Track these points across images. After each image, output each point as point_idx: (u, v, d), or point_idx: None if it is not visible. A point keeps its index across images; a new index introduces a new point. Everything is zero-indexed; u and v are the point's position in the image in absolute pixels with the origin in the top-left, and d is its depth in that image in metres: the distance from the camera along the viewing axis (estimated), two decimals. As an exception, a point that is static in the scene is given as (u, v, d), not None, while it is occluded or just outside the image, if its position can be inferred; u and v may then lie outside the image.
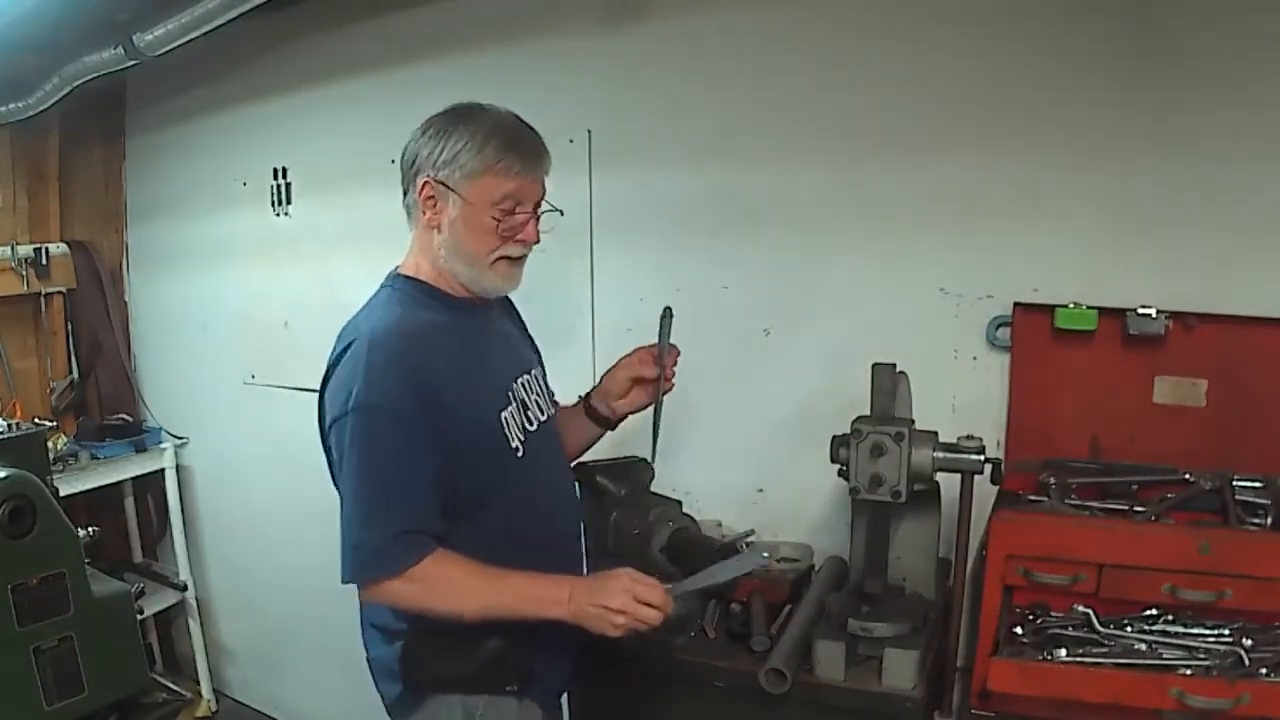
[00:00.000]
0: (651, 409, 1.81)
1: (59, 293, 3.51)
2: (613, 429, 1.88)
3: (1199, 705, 1.42)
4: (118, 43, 2.54)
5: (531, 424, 1.65)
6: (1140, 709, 1.48)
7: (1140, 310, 1.79)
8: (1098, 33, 1.85)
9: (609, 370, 1.85)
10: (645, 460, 2.14)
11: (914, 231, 2.07)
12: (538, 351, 1.86)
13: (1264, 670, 1.44)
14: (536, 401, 1.70)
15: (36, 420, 2.83)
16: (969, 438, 1.71)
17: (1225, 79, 1.74)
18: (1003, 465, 1.82)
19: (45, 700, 1.97)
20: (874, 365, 1.72)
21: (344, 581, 1.51)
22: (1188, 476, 1.77)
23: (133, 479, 3.49)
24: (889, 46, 2.05)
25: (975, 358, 2.04)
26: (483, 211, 1.55)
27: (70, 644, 2.01)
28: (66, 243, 3.50)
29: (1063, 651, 1.53)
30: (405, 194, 1.62)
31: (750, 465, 2.33)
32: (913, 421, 1.71)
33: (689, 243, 2.34)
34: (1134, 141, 1.83)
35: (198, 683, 3.60)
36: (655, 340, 1.79)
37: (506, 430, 1.59)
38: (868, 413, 1.72)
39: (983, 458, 1.67)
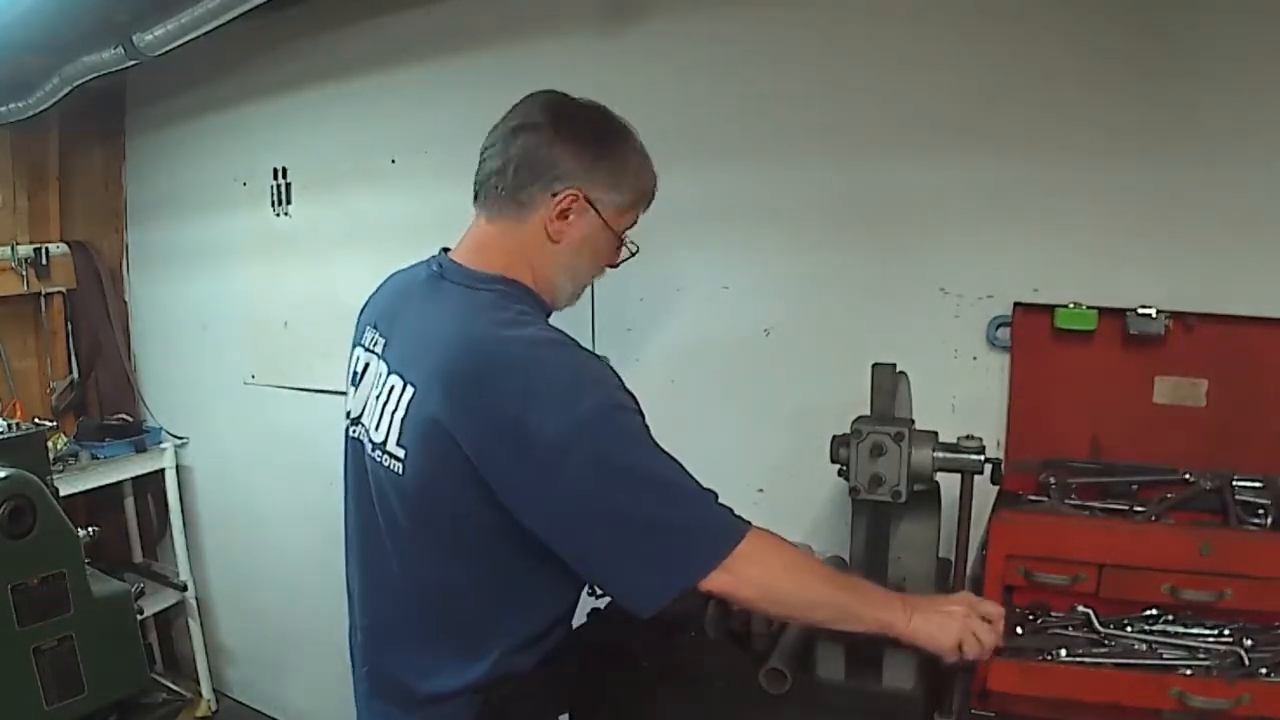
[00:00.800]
0: None
1: (59, 293, 3.51)
2: None
3: (1199, 705, 1.42)
4: (118, 43, 2.54)
5: None
6: (1140, 709, 1.48)
7: (1140, 310, 1.79)
8: (1098, 32, 1.85)
9: None
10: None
11: (914, 231, 2.07)
12: None
13: (1264, 670, 1.44)
14: None
15: (36, 420, 2.83)
16: (969, 438, 1.71)
17: (1226, 79, 1.74)
18: (1003, 465, 1.82)
19: (45, 700, 1.97)
20: (874, 365, 1.72)
21: (656, 602, 1.25)
22: (1188, 476, 1.77)
23: (133, 479, 3.50)
24: (889, 47, 2.05)
25: (975, 358, 2.04)
26: (613, 239, 1.45)
27: (70, 644, 2.02)
28: (66, 243, 3.50)
29: (1063, 651, 1.53)
30: (516, 190, 1.37)
31: (750, 465, 2.33)
32: (913, 421, 1.71)
33: (689, 243, 2.34)
34: (1134, 141, 1.83)
35: (198, 683, 3.61)
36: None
37: None
38: (868, 413, 1.72)
39: (983, 458, 1.67)
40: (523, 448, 1.21)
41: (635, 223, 1.49)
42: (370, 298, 1.56)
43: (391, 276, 1.57)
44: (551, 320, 1.46)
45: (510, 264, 1.40)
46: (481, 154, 1.44)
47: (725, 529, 1.28)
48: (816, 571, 1.36)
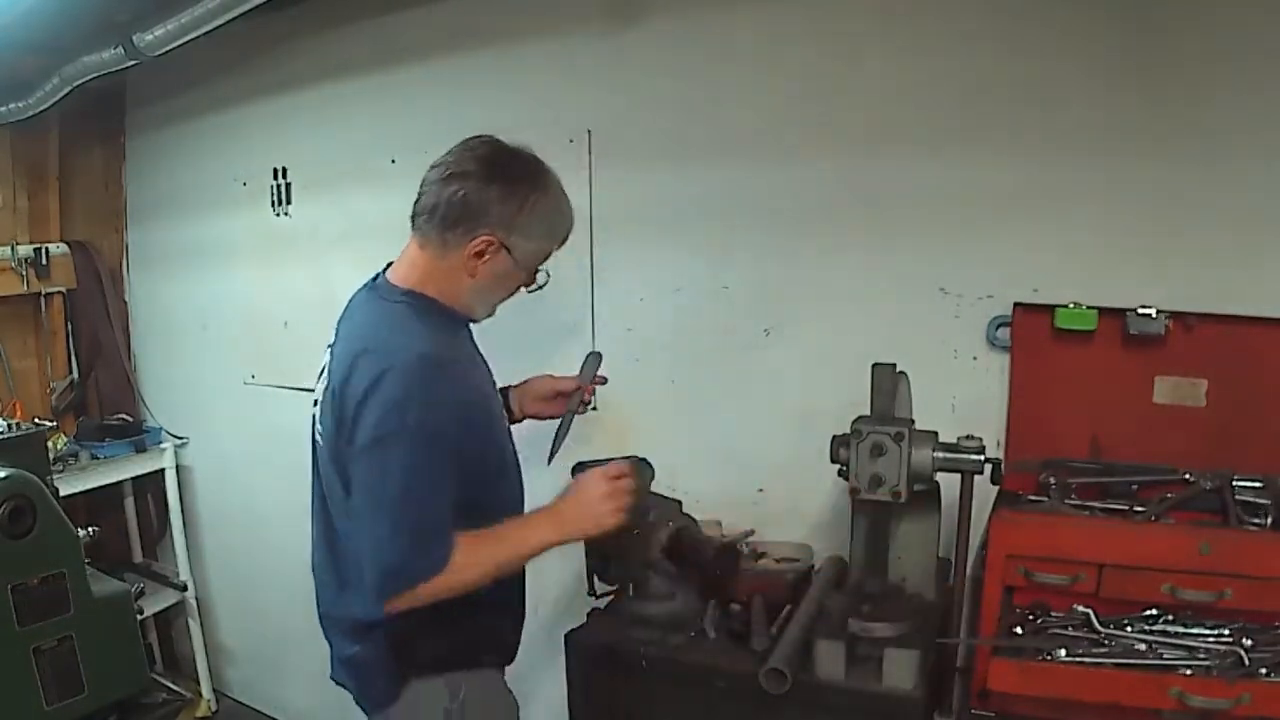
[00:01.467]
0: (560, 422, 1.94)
1: (59, 293, 3.51)
2: (515, 422, 1.93)
3: (1199, 705, 1.42)
4: (118, 43, 2.54)
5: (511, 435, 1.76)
6: (1140, 709, 1.48)
7: (1140, 310, 1.79)
8: (1098, 32, 1.85)
9: (539, 376, 1.98)
10: (645, 460, 2.14)
11: (914, 231, 2.07)
12: None
13: (1264, 670, 1.44)
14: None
15: (36, 420, 2.83)
16: (969, 438, 1.71)
17: (1226, 79, 1.74)
18: (1003, 465, 1.82)
19: (45, 700, 1.97)
20: (874, 365, 1.72)
21: (382, 595, 1.49)
22: (1188, 476, 1.77)
23: (133, 479, 3.50)
24: (889, 47, 2.05)
25: (975, 358, 2.04)
26: (523, 274, 1.65)
27: (70, 644, 2.02)
28: (66, 243, 3.50)
29: (1063, 651, 1.53)
30: (437, 225, 1.57)
31: (750, 465, 2.33)
32: (913, 421, 1.71)
33: (689, 243, 2.34)
34: (1134, 141, 1.83)
35: (198, 683, 3.61)
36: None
37: (511, 440, 1.73)
38: (868, 413, 1.72)
39: (983, 458, 1.67)
40: (349, 434, 1.52)
41: (548, 258, 1.68)
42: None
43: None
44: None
45: (428, 283, 1.62)
46: (420, 187, 1.62)
47: (415, 570, 1.49)
48: (482, 558, 1.55)
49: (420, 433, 1.46)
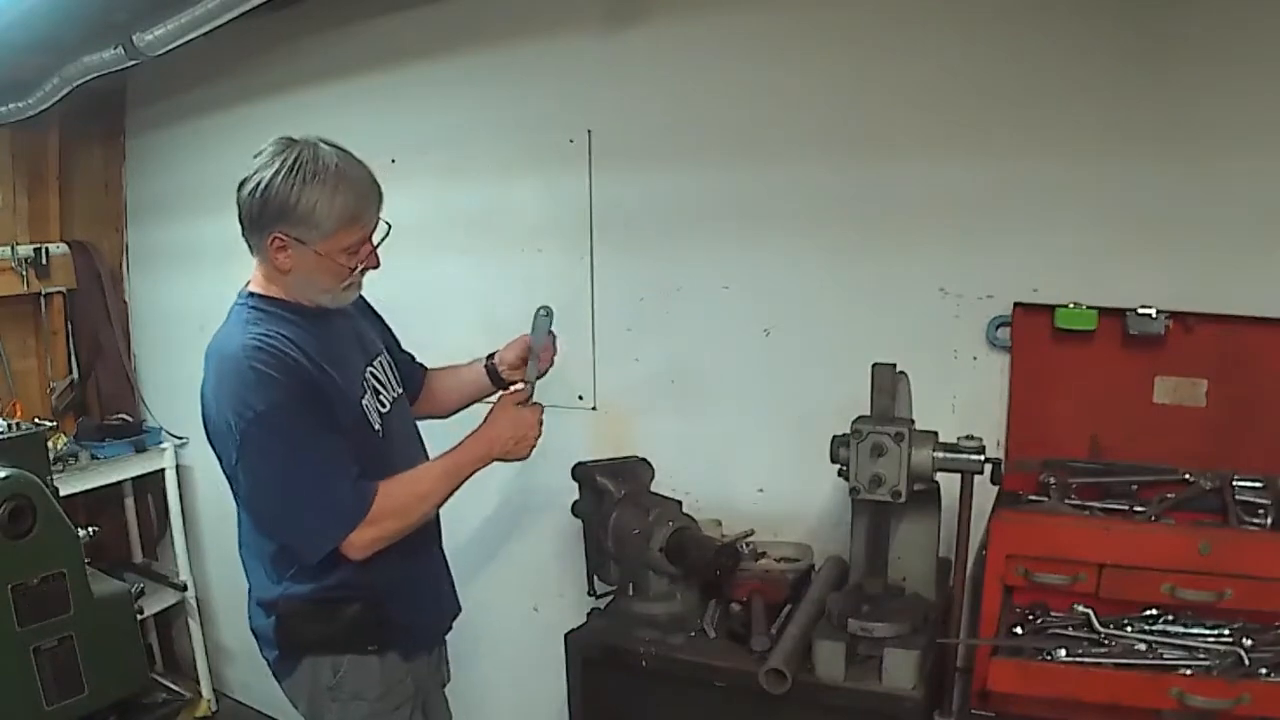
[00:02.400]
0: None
1: (59, 293, 3.51)
2: (504, 388, 2.01)
3: (1199, 705, 1.42)
4: (118, 43, 2.54)
5: (385, 406, 1.83)
6: (1140, 709, 1.48)
7: (1140, 310, 1.79)
8: (1098, 32, 1.85)
9: (509, 343, 2.02)
10: (645, 460, 2.15)
11: (914, 231, 2.07)
12: (389, 329, 2.04)
13: (1264, 670, 1.44)
14: (386, 383, 1.88)
15: (36, 420, 2.83)
16: (969, 438, 1.71)
17: (1226, 78, 1.74)
18: (1003, 465, 1.82)
19: (45, 700, 1.97)
20: (874, 365, 1.72)
21: (314, 557, 1.67)
22: (1188, 476, 1.77)
23: (133, 479, 3.49)
24: (888, 47, 2.04)
25: (975, 358, 2.04)
26: (335, 258, 1.68)
27: (70, 644, 2.02)
28: (66, 243, 3.50)
29: (1062, 651, 1.53)
30: (247, 232, 1.70)
31: (750, 465, 2.33)
32: (913, 421, 1.71)
33: (689, 243, 2.34)
34: (1134, 141, 1.83)
35: (198, 683, 3.60)
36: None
37: (369, 415, 1.77)
38: (868, 413, 1.72)
39: (983, 458, 1.67)
40: (206, 427, 1.71)
41: (366, 238, 1.71)
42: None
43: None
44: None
45: (268, 284, 1.74)
46: (237, 189, 1.69)
47: (343, 520, 1.66)
48: (414, 486, 1.74)
49: (272, 412, 1.59)
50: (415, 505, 1.73)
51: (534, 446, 1.84)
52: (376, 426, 1.78)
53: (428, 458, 1.91)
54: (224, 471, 1.72)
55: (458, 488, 1.78)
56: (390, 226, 1.74)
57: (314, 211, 1.62)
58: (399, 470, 1.77)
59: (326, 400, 1.66)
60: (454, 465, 1.78)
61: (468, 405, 2.10)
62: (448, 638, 2.09)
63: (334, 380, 1.69)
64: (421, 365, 2.10)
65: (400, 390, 1.93)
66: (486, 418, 1.84)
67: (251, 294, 1.75)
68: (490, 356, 2.05)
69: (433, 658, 2.03)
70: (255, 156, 1.67)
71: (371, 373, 1.84)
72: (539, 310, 1.93)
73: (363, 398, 1.76)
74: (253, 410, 1.58)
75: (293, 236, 1.64)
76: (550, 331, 1.94)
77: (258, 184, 1.62)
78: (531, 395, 1.89)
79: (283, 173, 1.61)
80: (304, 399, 1.62)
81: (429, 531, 1.91)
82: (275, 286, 1.73)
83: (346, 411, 1.71)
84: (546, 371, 1.96)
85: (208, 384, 1.68)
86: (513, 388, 1.94)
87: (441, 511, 1.87)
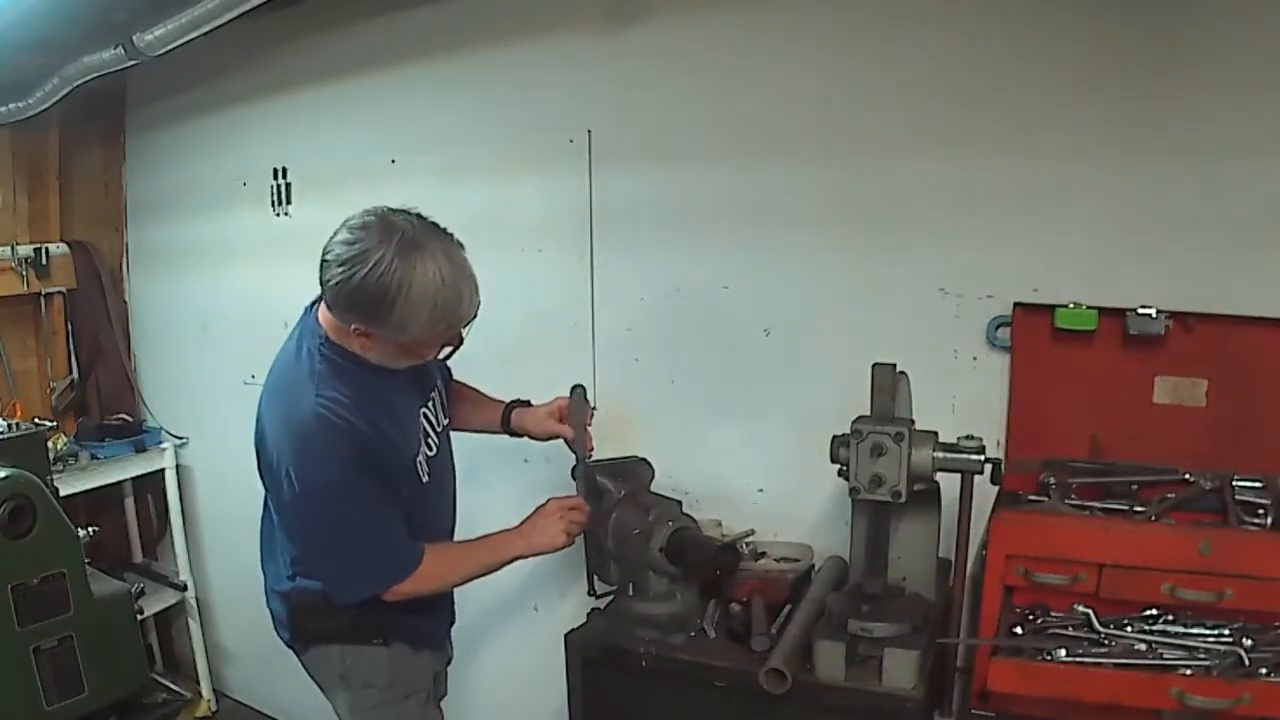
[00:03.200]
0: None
1: (59, 293, 3.51)
2: (511, 435, 2.11)
3: (1199, 705, 1.42)
4: (118, 43, 2.54)
5: (431, 449, 1.88)
6: (1140, 709, 1.48)
7: (1140, 310, 1.79)
8: (1098, 32, 1.85)
9: (545, 410, 2.05)
10: (645, 460, 2.15)
11: (914, 231, 2.06)
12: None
13: (1264, 670, 1.44)
14: (435, 419, 1.93)
15: (36, 420, 2.83)
16: (969, 438, 1.71)
17: (1226, 78, 1.74)
18: (1003, 465, 1.82)
19: (45, 700, 1.97)
20: (874, 365, 1.72)
21: (348, 602, 1.77)
22: (1188, 476, 1.77)
23: (133, 479, 3.49)
24: (888, 46, 2.04)
25: (975, 358, 2.03)
26: (419, 348, 1.69)
27: (70, 644, 2.02)
28: (66, 243, 3.50)
29: (1062, 651, 1.53)
30: (328, 299, 1.65)
31: (750, 465, 2.33)
32: (913, 421, 1.71)
33: (689, 243, 2.34)
34: (1134, 141, 1.83)
35: (198, 683, 3.61)
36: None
37: (419, 470, 1.83)
38: (868, 413, 1.72)
39: (983, 458, 1.67)
40: (259, 452, 1.73)
41: (458, 332, 1.70)
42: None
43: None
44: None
45: (341, 336, 1.70)
46: (327, 244, 1.63)
47: (389, 574, 1.76)
48: (458, 562, 1.85)
49: (330, 485, 1.64)
50: (452, 578, 1.86)
51: (571, 538, 1.89)
52: (425, 479, 1.84)
53: (455, 482, 2.00)
54: (264, 484, 1.77)
55: (492, 572, 1.88)
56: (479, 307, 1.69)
57: (407, 324, 1.59)
58: (435, 507, 1.90)
59: (384, 465, 1.70)
60: (494, 556, 1.86)
61: (473, 432, 2.14)
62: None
63: (394, 444, 1.74)
64: (453, 379, 2.11)
65: (446, 420, 1.97)
66: (534, 515, 1.88)
67: (326, 340, 1.71)
68: (513, 404, 2.09)
69: (436, 659, 2.06)
70: (351, 230, 1.60)
71: (425, 414, 1.89)
72: (574, 389, 2.01)
73: (416, 455, 1.82)
74: (312, 481, 1.63)
75: (378, 333, 1.63)
76: (587, 402, 2.01)
77: (350, 276, 1.55)
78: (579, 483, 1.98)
79: (378, 274, 1.54)
80: (363, 468, 1.65)
81: (444, 539, 1.95)
82: (350, 341, 1.69)
83: (401, 472, 1.76)
84: (592, 450, 2.02)
85: (270, 422, 1.69)
86: (563, 494, 1.94)
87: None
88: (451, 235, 1.65)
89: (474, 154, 2.63)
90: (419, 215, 1.63)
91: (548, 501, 1.89)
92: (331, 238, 1.62)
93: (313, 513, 1.68)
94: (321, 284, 1.63)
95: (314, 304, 1.79)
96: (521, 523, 1.88)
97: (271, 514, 1.87)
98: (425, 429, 1.88)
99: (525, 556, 1.87)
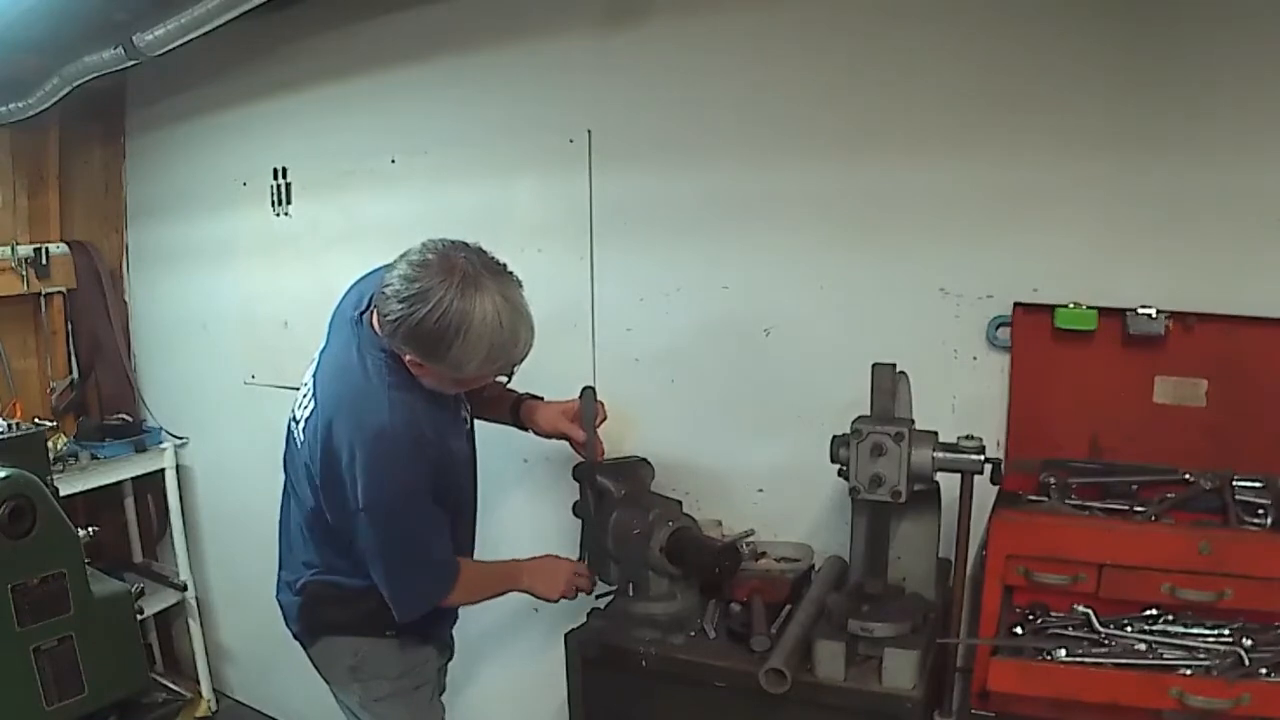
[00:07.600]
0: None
1: (59, 293, 3.51)
2: (519, 428, 2.12)
3: (1199, 705, 1.42)
4: (118, 43, 2.54)
5: (469, 449, 1.96)
6: (1140, 709, 1.48)
7: (1140, 310, 1.79)
8: (1098, 32, 1.85)
9: (560, 407, 2.05)
10: (645, 460, 2.15)
11: (914, 231, 2.07)
12: None
13: (1264, 670, 1.44)
14: (469, 422, 1.97)
15: (36, 420, 2.82)
16: (969, 438, 1.71)
17: (1225, 79, 1.74)
18: (1003, 465, 1.82)
19: (45, 700, 1.97)
20: (874, 365, 1.72)
21: (408, 617, 1.84)
22: (1188, 476, 1.77)
23: (133, 479, 3.50)
24: (888, 46, 2.04)
25: (975, 358, 2.03)
26: (472, 381, 1.74)
27: (70, 644, 2.01)
28: (66, 243, 3.50)
29: (1062, 651, 1.53)
30: (384, 328, 1.65)
31: (750, 465, 2.33)
32: (913, 421, 1.71)
33: (689, 243, 2.34)
34: (1134, 141, 1.83)
35: (198, 683, 3.61)
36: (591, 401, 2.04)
37: (468, 465, 1.95)
38: (868, 413, 1.72)
39: (983, 458, 1.67)
40: (343, 492, 1.72)
41: (510, 369, 1.75)
42: (340, 301, 1.87)
43: (346, 293, 1.90)
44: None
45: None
46: (386, 277, 1.64)
47: (431, 595, 1.87)
48: (475, 586, 1.94)
49: (399, 497, 1.70)
50: (475, 596, 1.96)
51: (567, 599, 2.00)
52: (464, 484, 1.94)
53: (476, 472, 2.02)
54: (316, 482, 1.78)
55: (496, 598, 2.01)
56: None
57: (463, 364, 1.62)
58: (466, 510, 1.99)
59: (444, 479, 1.79)
60: (504, 584, 1.99)
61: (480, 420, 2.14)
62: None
63: (452, 457, 1.83)
64: None
65: (472, 420, 2.01)
66: (546, 558, 2.03)
67: (388, 351, 1.71)
68: (523, 398, 2.10)
69: (440, 654, 2.10)
70: (411, 265, 1.59)
71: (465, 415, 1.94)
72: (584, 390, 2.02)
73: (468, 456, 1.92)
74: (384, 494, 1.68)
75: (435, 369, 1.66)
76: (598, 401, 2.03)
77: (410, 315, 1.56)
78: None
79: (436, 316, 1.55)
80: (429, 480, 1.73)
81: (465, 548, 2.01)
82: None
83: (454, 484, 1.86)
84: (603, 454, 2.05)
85: (343, 431, 1.69)
86: (578, 560, 2.05)
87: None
88: (510, 273, 1.65)
89: (474, 154, 2.64)
90: (479, 250, 1.64)
91: (563, 558, 2.02)
92: (390, 269, 1.63)
93: (382, 523, 1.71)
94: (379, 315, 1.65)
95: (361, 313, 1.78)
96: (532, 559, 2.01)
97: (295, 510, 1.92)
98: (468, 430, 1.95)
99: (523, 592, 1.99)
